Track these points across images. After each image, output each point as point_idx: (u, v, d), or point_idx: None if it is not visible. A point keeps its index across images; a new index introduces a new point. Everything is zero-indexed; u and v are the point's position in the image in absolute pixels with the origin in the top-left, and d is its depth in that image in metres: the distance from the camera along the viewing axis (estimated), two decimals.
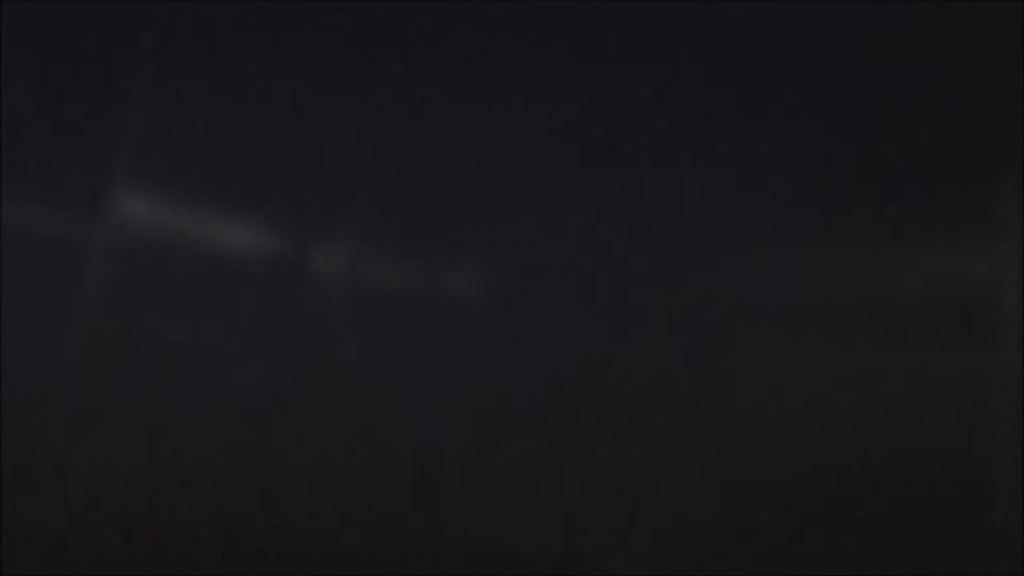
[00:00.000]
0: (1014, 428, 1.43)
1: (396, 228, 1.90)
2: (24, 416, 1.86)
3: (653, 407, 1.63)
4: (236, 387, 1.87)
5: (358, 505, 1.77)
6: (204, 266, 1.95)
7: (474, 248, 1.84)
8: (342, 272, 1.91)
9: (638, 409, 1.64)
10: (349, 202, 1.94)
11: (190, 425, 1.86)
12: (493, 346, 1.79)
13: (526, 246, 1.79)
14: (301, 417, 1.84)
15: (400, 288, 1.88)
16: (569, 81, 1.82)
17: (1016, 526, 1.39)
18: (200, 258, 1.95)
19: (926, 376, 1.50)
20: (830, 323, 1.59)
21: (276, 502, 1.81)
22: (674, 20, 1.79)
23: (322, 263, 1.93)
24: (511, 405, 1.74)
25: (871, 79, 1.65)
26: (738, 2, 1.77)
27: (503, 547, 1.68)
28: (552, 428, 1.69)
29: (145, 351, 1.90)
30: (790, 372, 1.58)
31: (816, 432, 1.54)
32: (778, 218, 1.65)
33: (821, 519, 1.50)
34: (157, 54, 2.05)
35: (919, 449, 1.48)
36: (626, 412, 1.65)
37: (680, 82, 1.76)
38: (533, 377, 1.73)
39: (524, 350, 1.75)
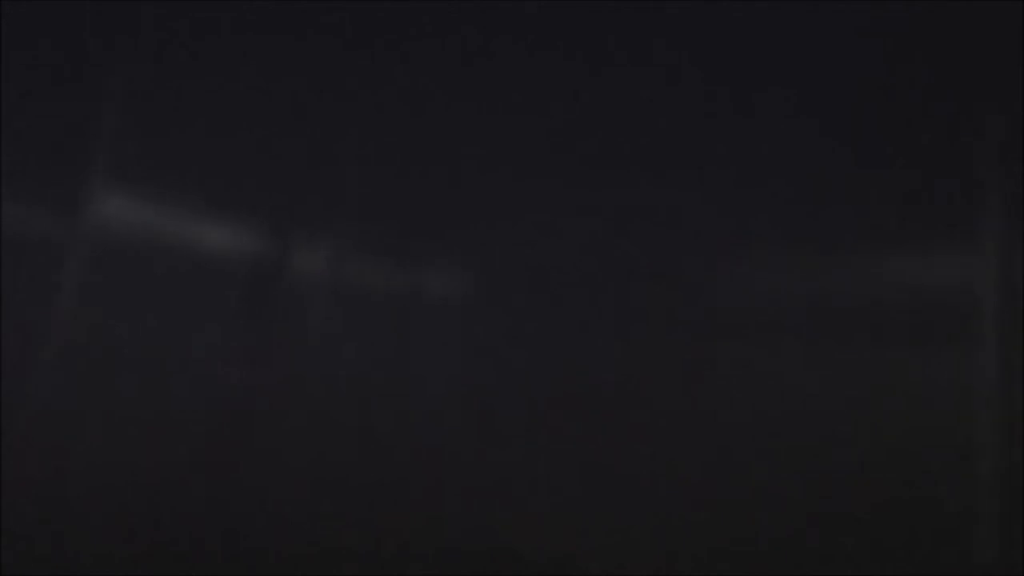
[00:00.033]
0: (991, 426, 1.44)
1: (381, 229, 1.90)
2: None
3: (633, 408, 1.64)
4: (217, 387, 1.87)
5: (340, 503, 1.77)
6: (185, 267, 1.94)
7: (461, 249, 1.83)
8: (325, 273, 1.91)
9: (618, 411, 1.65)
10: (333, 204, 1.94)
11: (169, 424, 1.86)
12: (478, 347, 1.79)
13: (516, 247, 1.79)
14: (281, 417, 1.84)
15: (383, 289, 1.88)
16: (566, 82, 1.82)
17: (992, 523, 1.40)
18: (181, 259, 1.95)
19: (904, 378, 1.52)
20: (811, 327, 1.59)
21: (253, 500, 1.81)
22: (674, 20, 1.79)
23: (305, 264, 1.93)
24: (495, 405, 1.74)
25: (864, 86, 1.65)
26: (738, 2, 1.77)
27: (482, 547, 1.68)
28: (535, 429, 1.69)
29: (124, 352, 1.90)
30: (772, 374, 1.59)
31: (800, 433, 1.54)
32: (766, 222, 1.65)
33: (804, 518, 1.51)
34: (136, 56, 2.05)
35: (900, 447, 1.49)
36: (610, 414, 1.65)
37: (679, 82, 1.76)
38: (516, 378, 1.74)
39: (509, 351, 1.75)
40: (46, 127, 2.02)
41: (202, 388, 1.89)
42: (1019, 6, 1.60)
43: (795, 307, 1.62)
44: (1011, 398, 1.46)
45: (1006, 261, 1.52)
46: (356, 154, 1.94)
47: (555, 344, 1.74)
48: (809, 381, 1.57)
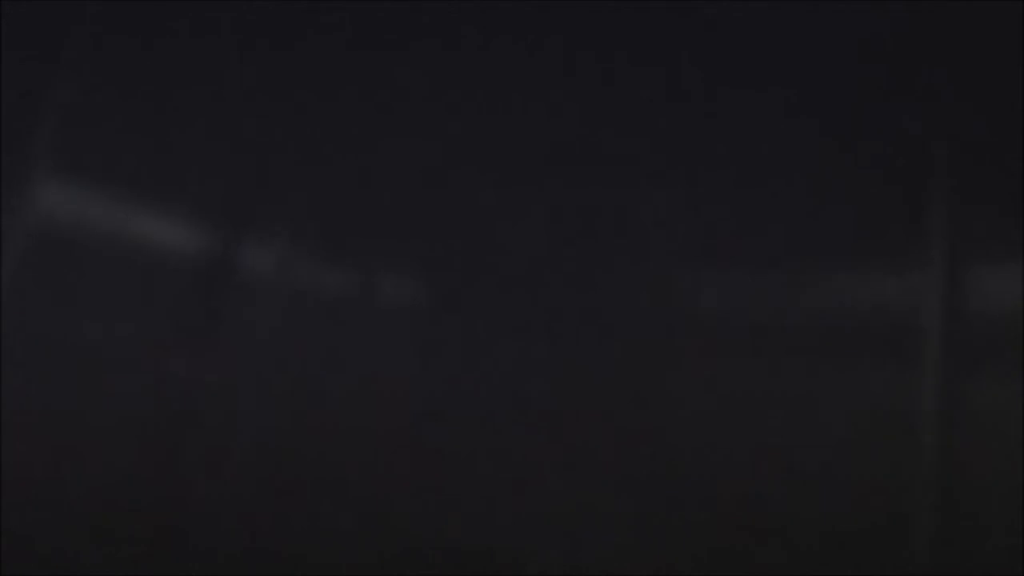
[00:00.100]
0: (934, 443, 1.45)
1: (333, 226, 1.87)
2: None
3: (586, 421, 1.63)
4: (160, 382, 1.85)
5: (286, 502, 1.76)
6: (126, 262, 1.91)
7: (421, 248, 1.81)
8: (274, 271, 1.88)
9: (578, 421, 1.63)
10: (280, 202, 1.91)
11: (110, 419, 1.84)
12: (426, 352, 1.76)
13: (471, 251, 1.77)
14: (229, 415, 1.81)
15: (333, 288, 1.85)
16: (538, 80, 1.81)
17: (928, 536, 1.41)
18: (122, 254, 1.92)
19: (849, 396, 1.53)
20: (762, 342, 1.60)
21: (191, 501, 1.77)
22: (675, 20, 1.79)
23: (255, 260, 1.90)
24: (445, 410, 1.72)
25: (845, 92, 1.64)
26: (738, 2, 1.77)
27: (439, 547, 1.67)
28: (490, 434, 1.67)
29: (62, 348, 1.88)
30: (723, 385, 1.59)
31: (746, 449, 1.55)
32: (735, 234, 1.65)
33: (748, 530, 1.51)
34: (84, 44, 2.01)
35: (843, 463, 1.50)
36: (572, 422, 1.64)
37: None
38: (466, 383, 1.72)
39: (460, 357, 1.73)
40: None
41: (145, 383, 1.87)
42: (1019, 6, 1.59)
43: (737, 321, 1.63)
44: (950, 419, 1.47)
45: (951, 279, 1.52)
46: (310, 151, 1.93)
47: (517, 349, 1.73)
48: (739, 399, 1.58)
